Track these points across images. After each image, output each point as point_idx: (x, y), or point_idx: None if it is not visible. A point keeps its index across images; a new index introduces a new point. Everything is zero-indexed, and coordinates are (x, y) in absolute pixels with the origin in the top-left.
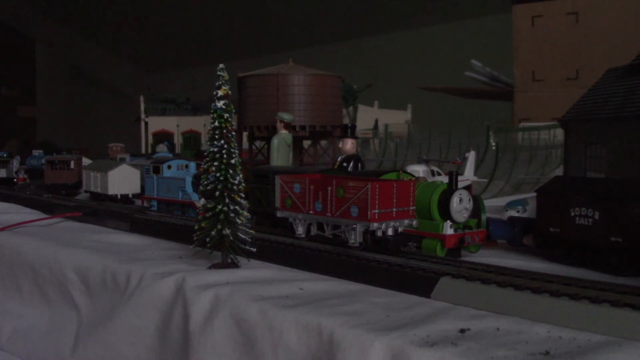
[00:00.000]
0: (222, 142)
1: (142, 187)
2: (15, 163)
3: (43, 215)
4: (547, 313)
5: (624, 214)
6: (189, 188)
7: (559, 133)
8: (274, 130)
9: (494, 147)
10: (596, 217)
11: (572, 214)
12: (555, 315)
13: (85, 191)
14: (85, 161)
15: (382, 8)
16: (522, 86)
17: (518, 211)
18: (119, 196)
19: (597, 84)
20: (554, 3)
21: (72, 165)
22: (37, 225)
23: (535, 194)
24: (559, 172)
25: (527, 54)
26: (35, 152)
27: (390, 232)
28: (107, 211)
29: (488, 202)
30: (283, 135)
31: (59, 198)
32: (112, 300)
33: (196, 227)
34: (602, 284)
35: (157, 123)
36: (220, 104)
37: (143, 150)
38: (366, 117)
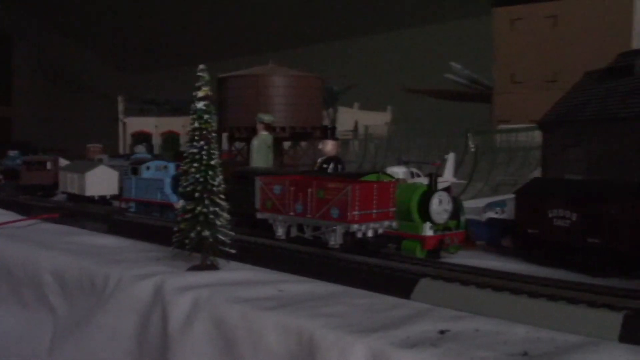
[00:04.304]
0: (202, 143)
1: (121, 188)
2: None
3: (19, 217)
4: (526, 314)
5: (601, 215)
6: (167, 189)
7: (538, 135)
8: (254, 132)
9: (472, 149)
10: (574, 218)
11: (550, 215)
12: (534, 316)
13: (62, 192)
14: (63, 162)
15: (362, 10)
16: (501, 88)
17: (497, 212)
18: (96, 197)
19: (575, 87)
20: (533, 6)
21: (48, 166)
22: (13, 227)
23: (514, 196)
24: (537, 173)
25: (507, 57)
26: (11, 153)
27: (370, 233)
28: (85, 213)
29: (467, 204)
30: (263, 137)
31: (36, 199)
32: (90, 303)
33: (175, 229)
34: (580, 285)
35: (135, 124)
36: (200, 104)
37: (121, 151)
38: (346, 118)
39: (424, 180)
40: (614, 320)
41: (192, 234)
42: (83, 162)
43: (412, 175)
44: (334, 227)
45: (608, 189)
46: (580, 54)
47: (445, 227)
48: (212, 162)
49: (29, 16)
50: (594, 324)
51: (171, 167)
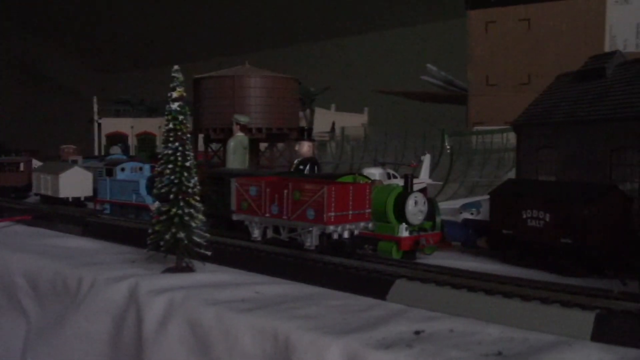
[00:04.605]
0: (177, 144)
1: (96, 190)
2: None
3: None
4: (500, 314)
5: (573, 216)
6: (143, 191)
7: (512, 137)
8: (230, 133)
9: (448, 150)
10: (547, 219)
11: (524, 216)
12: (508, 316)
13: (36, 194)
14: (36, 163)
15: (339, 12)
16: (476, 90)
17: (472, 213)
18: (70, 199)
19: (548, 89)
20: (507, 9)
21: (21, 167)
22: None
23: (488, 197)
24: (512, 175)
25: (481, 59)
26: None
27: (346, 234)
28: (58, 215)
29: (443, 205)
30: (239, 138)
31: (8, 201)
32: (63, 306)
33: (150, 231)
34: (553, 285)
35: (110, 124)
36: (175, 105)
37: (96, 152)
38: (323, 119)
39: (401, 182)
40: (587, 319)
41: (167, 236)
42: (57, 163)
43: (389, 176)
44: (310, 229)
45: (580, 191)
46: (554, 57)
47: (421, 228)
48: (187, 164)
49: (2, 15)
50: (567, 323)
51: (146, 168)
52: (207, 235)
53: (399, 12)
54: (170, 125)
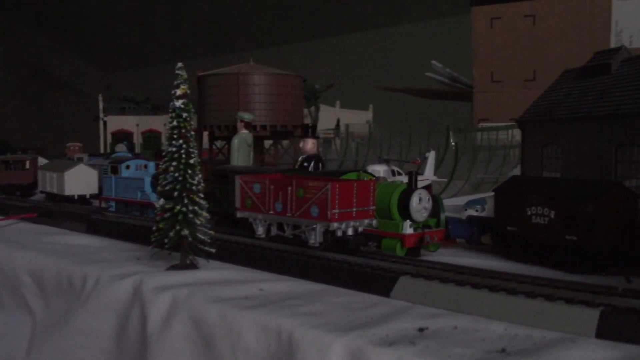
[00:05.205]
0: (181, 141)
1: (101, 188)
2: None
3: None
4: (504, 311)
5: (578, 212)
6: (147, 188)
7: (517, 133)
8: (234, 130)
9: (453, 147)
10: (552, 215)
11: (529, 212)
12: (512, 313)
13: (41, 192)
14: (42, 161)
15: (343, 9)
16: (481, 87)
17: (477, 210)
18: (75, 197)
19: (553, 85)
20: (512, 5)
21: (27, 165)
22: None
23: (493, 193)
24: (517, 171)
25: (486, 56)
26: None
27: (350, 231)
28: (64, 212)
29: (448, 202)
30: (244, 135)
31: (14, 199)
32: (68, 303)
33: (154, 228)
34: (557, 282)
35: (116, 122)
36: (178, 103)
37: (102, 150)
38: (328, 117)
39: (405, 179)
40: (591, 316)
41: (171, 233)
42: (62, 161)
43: (394, 173)
44: (314, 226)
45: (585, 187)
46: (559, 53)
47: (425, 225)
48: (191, 161)
49: (6, 12)
50: (571, 320)
51: (151, 166)
52: (211, 232)
53: (403, 8)
54: (174, 123)
